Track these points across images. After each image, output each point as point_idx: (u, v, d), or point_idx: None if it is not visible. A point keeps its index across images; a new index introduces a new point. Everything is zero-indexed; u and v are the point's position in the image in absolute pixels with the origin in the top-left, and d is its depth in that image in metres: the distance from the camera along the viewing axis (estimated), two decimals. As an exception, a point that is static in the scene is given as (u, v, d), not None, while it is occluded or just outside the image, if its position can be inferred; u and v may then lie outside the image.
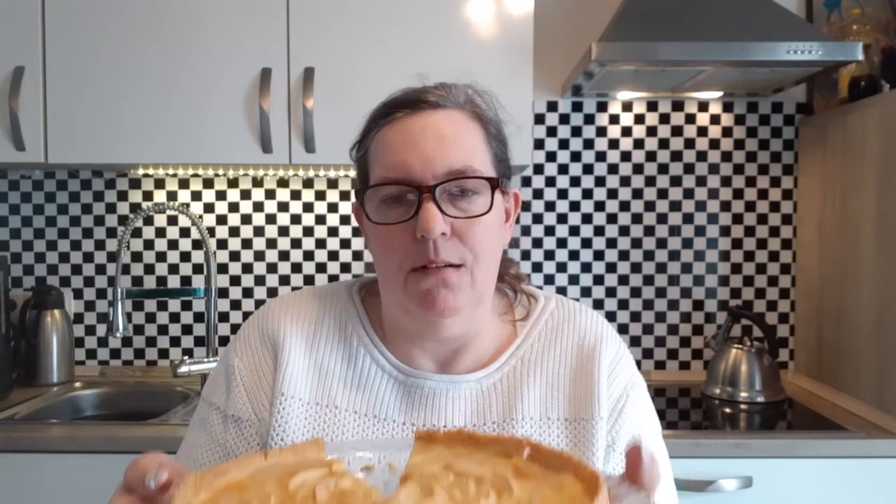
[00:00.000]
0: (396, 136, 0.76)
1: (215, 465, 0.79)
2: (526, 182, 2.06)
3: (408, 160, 0.74)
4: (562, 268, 2.07)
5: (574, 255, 2.07)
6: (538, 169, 2.06)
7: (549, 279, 2.07)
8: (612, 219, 2.07)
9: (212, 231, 2.06)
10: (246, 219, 2.07)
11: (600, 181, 2.06)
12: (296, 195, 2.06)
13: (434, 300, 0.74)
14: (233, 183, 2.06)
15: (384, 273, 0.78)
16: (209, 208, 2.06)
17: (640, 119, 2.06)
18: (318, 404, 0.80)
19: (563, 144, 2.06)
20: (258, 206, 2.07)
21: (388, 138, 0.76)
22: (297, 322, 0.83)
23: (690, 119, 2.06)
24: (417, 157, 0.74)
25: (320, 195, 2.06)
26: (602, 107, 2.05)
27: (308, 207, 2.07)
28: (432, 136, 0.75)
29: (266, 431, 0.79)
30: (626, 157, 2.06)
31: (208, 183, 2.06)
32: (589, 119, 2.05)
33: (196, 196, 2.06)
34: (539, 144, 2.05)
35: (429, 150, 0.74)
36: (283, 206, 2.07)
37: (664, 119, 2.06)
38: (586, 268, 2.07)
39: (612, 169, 2.06)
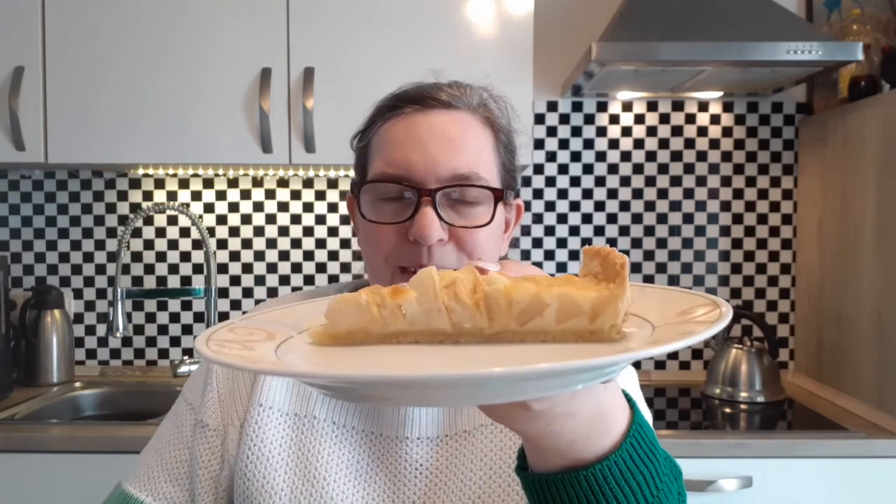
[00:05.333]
0: (401, 131, 0.72)
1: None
2: (526, 182, 2.06)
3: (410, 158, 0.70)
4: (562, 268, 2.07)
5: (574, 256, 2.07)
6: (538, 169, 2.06)
7: (549, 279, 2.07)
8: (612, 219, 2.06)
9: (212, 231, 2.06)
10: (246, 219, 2.07)
11: (600, 181, 2.06)
12: (296, 195, 2.06)
13: None
14: (233, 183, 2.06)
15: (370, 268, 0.75)
16: (209, 208, 2.06)
17: (640, 119, 2.06)
18: (297, 415, 0.77)
19: (563, 144, 2.06)
20: (258, 206, 2.07)
21: (393, 133, 0.72)
22: None
23: (690, 119, 2.06)
24: (421, 156, 0.70)
25: (320, 195, 2.06)
26: (602, 107, 2.05)
27: (308, 207, 2.07)
28: (439, 136, 0.71)
29: (237, 441, 0.76)
30: (626, 157, 2.06)
31: (208, 183, 2.06)
32: (589, 119, 2.05)
33: (196, 196, 2.06)
34: (539, 144, 2.05)
35: (434, 150, 0.70)
36: (283, 206, 2.07)
37: (664, 119, 2.06)
38: (586, 268, 2.07)
39: (612, 169, 2.06)
